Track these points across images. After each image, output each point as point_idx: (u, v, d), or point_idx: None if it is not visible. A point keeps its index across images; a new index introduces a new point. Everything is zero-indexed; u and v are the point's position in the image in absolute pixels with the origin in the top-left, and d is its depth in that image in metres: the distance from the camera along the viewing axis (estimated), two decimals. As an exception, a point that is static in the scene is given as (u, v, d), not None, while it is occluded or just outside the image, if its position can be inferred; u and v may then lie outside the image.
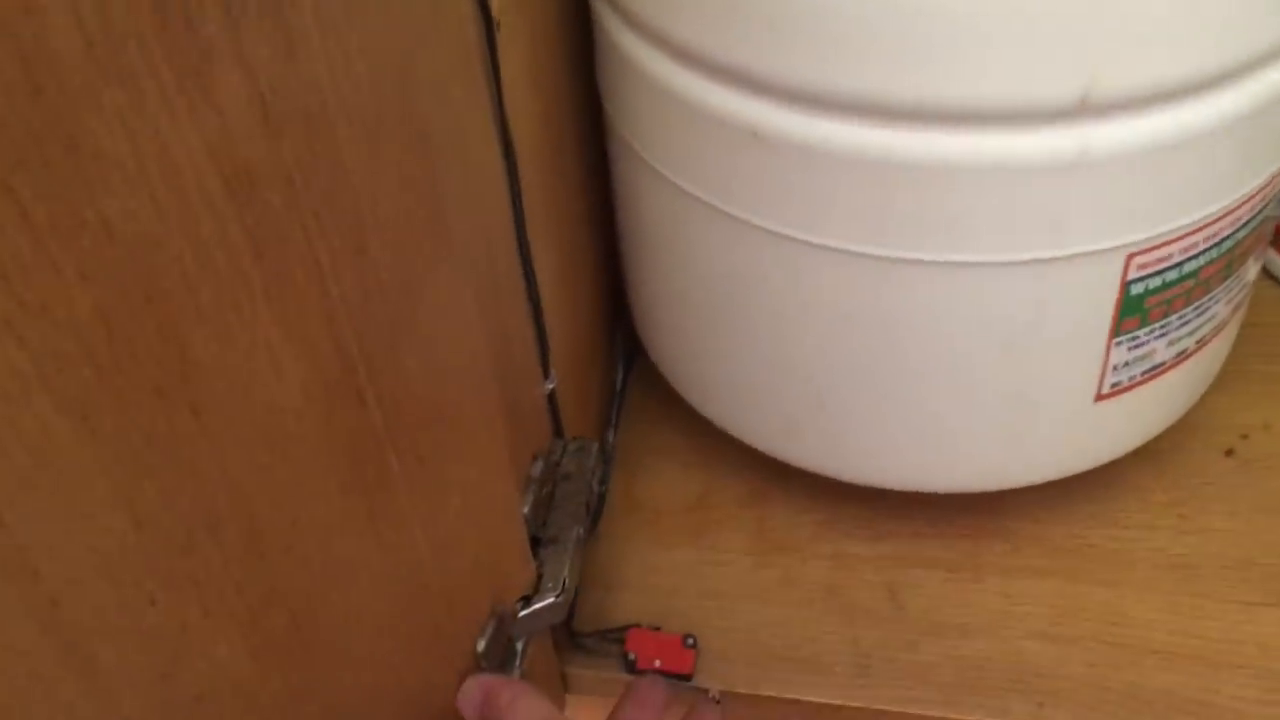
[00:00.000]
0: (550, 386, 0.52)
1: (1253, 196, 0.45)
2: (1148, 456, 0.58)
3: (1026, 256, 0.43)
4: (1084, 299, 0.45)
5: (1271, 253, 0.68)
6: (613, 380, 0.67)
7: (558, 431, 0.54)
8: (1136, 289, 0.45)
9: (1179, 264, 0.45)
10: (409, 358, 0.35)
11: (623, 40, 0.47)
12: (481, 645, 0.45)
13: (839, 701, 0.54)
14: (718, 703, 0.54)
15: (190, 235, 0.24)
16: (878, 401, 0.50)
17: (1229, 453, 0.61)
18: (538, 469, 0.51)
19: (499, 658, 0.47)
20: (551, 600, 0.49)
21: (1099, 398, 0.49)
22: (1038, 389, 0.49)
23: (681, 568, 0.59)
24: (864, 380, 0.50)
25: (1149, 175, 0.41)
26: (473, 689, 0.43)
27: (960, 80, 0.38)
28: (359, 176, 0.29)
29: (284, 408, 0.29)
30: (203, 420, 0.26)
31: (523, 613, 0.48)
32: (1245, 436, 0.62)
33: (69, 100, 0.20)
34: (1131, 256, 0.43)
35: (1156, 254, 0.44)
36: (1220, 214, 0.44)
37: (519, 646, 0.49)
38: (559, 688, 0.56)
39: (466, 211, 0.39)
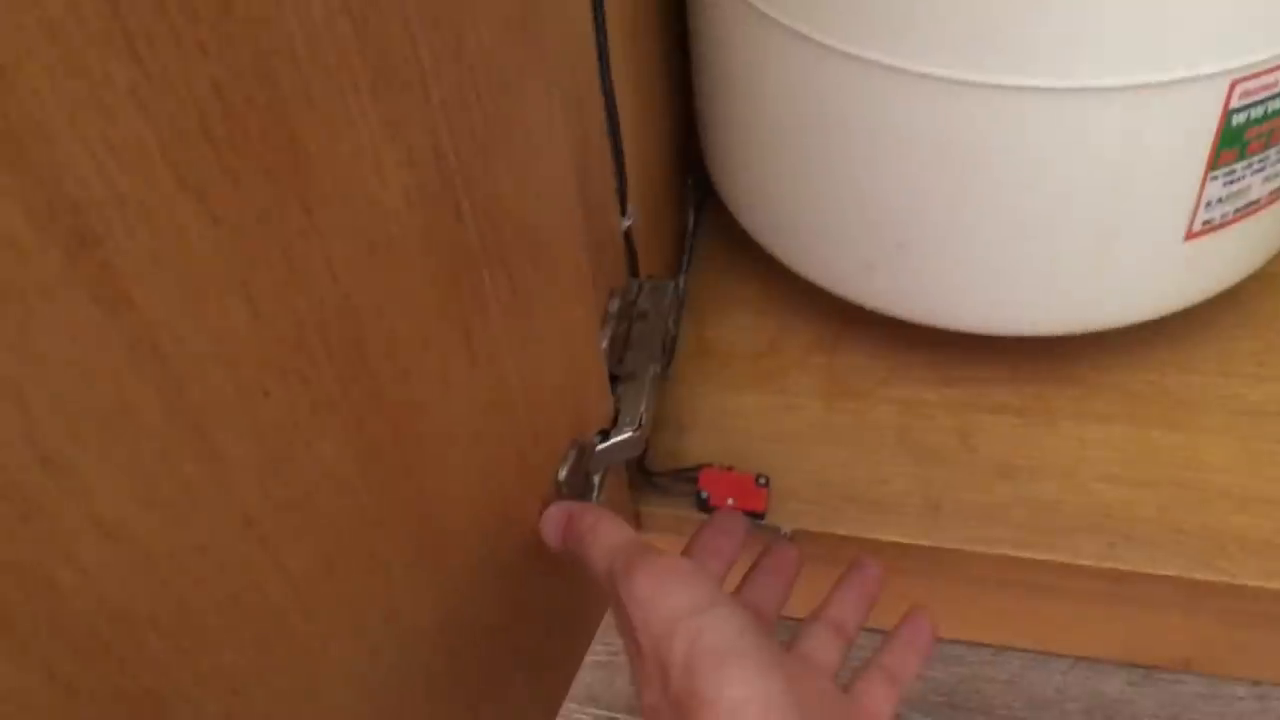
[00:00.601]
0: (627, 223, 0.52)
1: (1365, 21, 0.43)
2: (1230, 302, 0.57)
3: (1127, 81, 0.42)
4: (1183, 128, 0.44)
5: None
6: (684, 223, 0.66)
7: (633, 271, 0.54)
8: (1238, 118, 0.43)
9: (1284, 92, 0.43)
10: (503, 174, 0.34)
11: None
12: (563, 474, 0.45)
13: (910, 540, 0.54)
14: (791, 540, 0.55)
15: (301, 18, 0.23)
16: (961, 239, 0.50)
17: (1313, 300, 0.60)
18: (614, 306, 0.51)
19: (577, 489, 0.48)
20: (629, 434, 0.49)
21: (1189, 235, 0.48)
22: (1128, 225, 0.48)
23: (752, 411, 0.60)
24: (949, 216, 0.49)
25: (1261, -7, 0.39)
26: (555, 513, 0.44)
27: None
28: (459, -24, 0.29)
29: (387, 212, 0.29)
30: (312, 216, 0.26)
31: (601, 445, 0.49)
32: (1330, 284, 0.60)
33: None
34: (1235, 83, 0.42)
35: (1262, 80, 0.42)
36: (1331, 38, 0.42)
37: (596, 480, 0.50)
38: (633, 524, 0.57)
39: (557, 32, 0.38)
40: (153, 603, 0.24)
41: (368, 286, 0.29)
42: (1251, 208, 0.48)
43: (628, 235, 0.52)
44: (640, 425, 0.50)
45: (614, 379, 0.51)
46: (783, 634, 0.43)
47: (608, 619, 0.63)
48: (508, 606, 0.44)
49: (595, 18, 0.43)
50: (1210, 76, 0.41)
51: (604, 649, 0.66)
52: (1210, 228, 0.48)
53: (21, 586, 0.21)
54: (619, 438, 0.49)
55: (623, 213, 0.51)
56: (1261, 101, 0.43)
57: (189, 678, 0.26)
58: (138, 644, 0.24)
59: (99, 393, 0.21)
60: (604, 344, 0.49)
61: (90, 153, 0.19)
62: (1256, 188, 0.47)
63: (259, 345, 0.25)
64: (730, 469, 0.57)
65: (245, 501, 0.26)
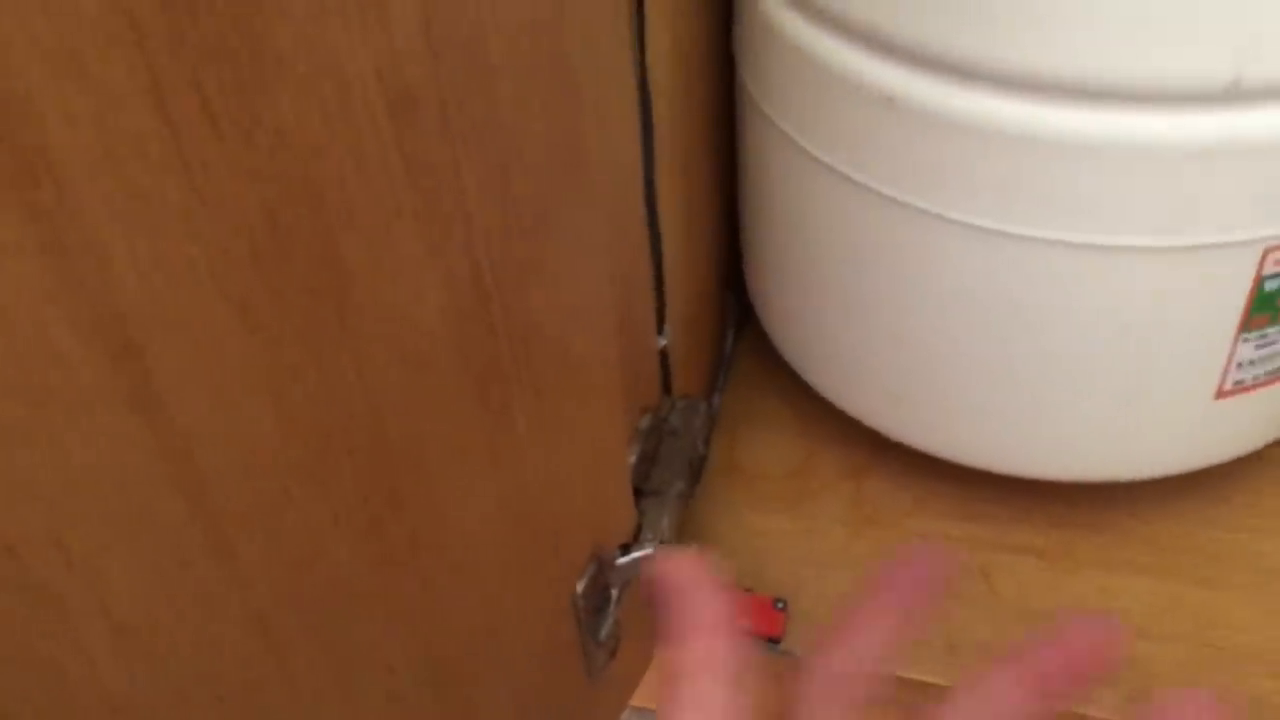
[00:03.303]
0: (664, 343, 0.53)
1: (1402, 198, 0.44)
2: (1263, 460, 0.57)
3: (1160, 243, 0.42)
4: (1214, 291, 0.44)
5: None
6: (722, 344, 0.67)
7: (667, 389, 0.55)
8: (1271, 285, 0.44)
9: (1318, 262, 0.44)
10: (539, 296, 0.35)
11: (762, 1, 0.47)
12: (581, 586, 0.46)
13: (926, 679, 0.54)
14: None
15: (352, 148, 0.25)
16: (989, 381, 0.50)
17: (1348, 464, 0.59)
18: (645, 423, 0.52)
19: (594, 603, 0.48)
20: (650, 550, 0.49)
21: (1220, 394, 0.48)
22: (1157, 382, 0.48)
23: (776, 533, 0.60)
24: (978, 359, 0.49)
25: (1296, 166, 0.40)
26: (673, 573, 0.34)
27: (1110, 56, 0.38)
28: (508, 109, 0.30)
29: (421, 327, 0.30)
30: (348, 327, 0.27)
31: (621, 560, 0.49)
32: (1367, 449, 0.60)
33: (257, 2, 0.21)
34: (1269, 251, 0.42)
35: (1295, 250, 0.43)
36: (1366, 212, 0.43)
37: (614, 594, 0.50)
38: (650, 639, 0.57)
39: (603, 163, 0.40)
40: (154, 695, 0.25)
41: (396, 398, 0.30)
42: (1285, 371, 0.48)
43: (663, 354, 0.53)
44: (662, 542, 0.50)
45: (639, 494, 0.51)
46: None
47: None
48: (518, 714, 0.44)
49: (644, 152, 0.45)
50: (1244, 243, 0.42)
51: (612, 762, 0.65)
52: (1242, 388, 0.48)
53: (32, 675, 0.22)
54: (640, 552, 0.50)
55: (659, 332, 0.52)
56: (1295, 269, 0.44)
57: (186, 773, 0.27)
58: (140, 736, 0.25)
59: (127, 496, 0.22)
60: (632, 460, 0.50)
61: (140, 270, 0.21)
62: (1289, 352, 0.47)
63: (285, 452, 0.26)
64: (749, 590, 0.57)
65: (258, 602, 0.27)
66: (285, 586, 0.28)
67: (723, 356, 0.67)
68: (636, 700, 0.60)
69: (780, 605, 0.56)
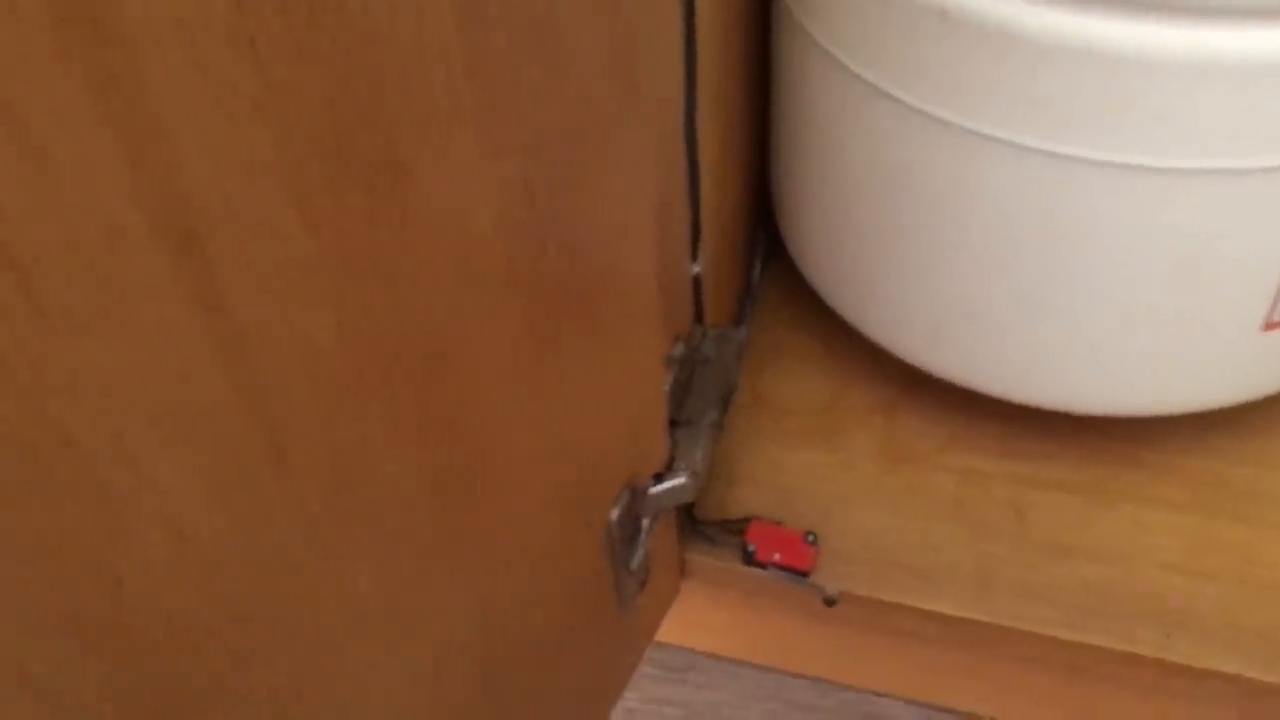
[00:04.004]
0: (696, 270, 0.52)
1: None
2: (1303, 396, 0.56)
3: (1215, 165, 0.41)
4: (1267, 215, 0.43)
5: None
6: (750, 274, 0.66)
7: (699, 317, 0.54)
8: (1328, 210, 0.43)
9: (1377, 187, 0.42)
10: (589, 211, 0.34)
11: (808, -86, 0.46)
12: (615, 514, 0.45)
13: (958, 613, 0.53)
14: (834, 604, 0.54)
15: (415, 36, 0.24)
16: (1032, 312, 0.49)
17: (1388, 402, 0.58)
18: (679, 351, 0.51)
19: (627, 531, 0.47)
20: (683, 480, 0.49)
21: (1268, 326, 0.47)
22: (1206, 311, 0.47)
23: (806, 468, 0.59)
24: (1021, 288, 0.48)
25: (1364, 86, 0.39)
26: None
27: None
28: (565, 8, 0.29)
29: (477, 235, 0.29)
30: (407, 231, 0.26)
31: (654, 489, 0.48)
32: (1407, 387, 0.59)
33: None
34: (1329, 175, 0.41)
35: (1356, 174, 0.41)
36: None
37: (645, 524, 0.49)
38: (677, 573, 0.56)
39: (651, 79, 0.38)
40: (212, 608, 0.24)
41: (451, 310, 0.29)
42: (1334, 302, 0.47)
43: (696, 281, 0.52)
44: (695, 472, 0.49)
45: (672, 423, 0.50)
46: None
47: (641, 669, 0.62)
48: (550, 639, 0.44)
49: (686, 66, 0.43)
50: (1304, 166, 0.41)
51: (634, 696, 0.65)
52: (1290, 320, 0.47)
53: (90, 584, 0.21)
54: (672, 482, 0.49)
55: (694, 258, 0.51)
56: (1354, 195, 0.42)
57: (240, 686, 0.26)
58: (194, 650, 0.24)
59: (186, 393, 0.21)
60: (666, 388, 0.49)
61: (203, 149, 0.20)
62: (1341, 283, 0.46)
63: (343, 358, 0.25)
64: (779, 524, 0.56)
65: (312, 513, 0.26)
66: (338, 498, 0.27)
67: (751, 288, 0.66)
68: (660, 636, 0.59)
69: (811, 539, 0.55)
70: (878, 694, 0.63)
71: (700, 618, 0.62)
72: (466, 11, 0.25)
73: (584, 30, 0.31)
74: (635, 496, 0.47)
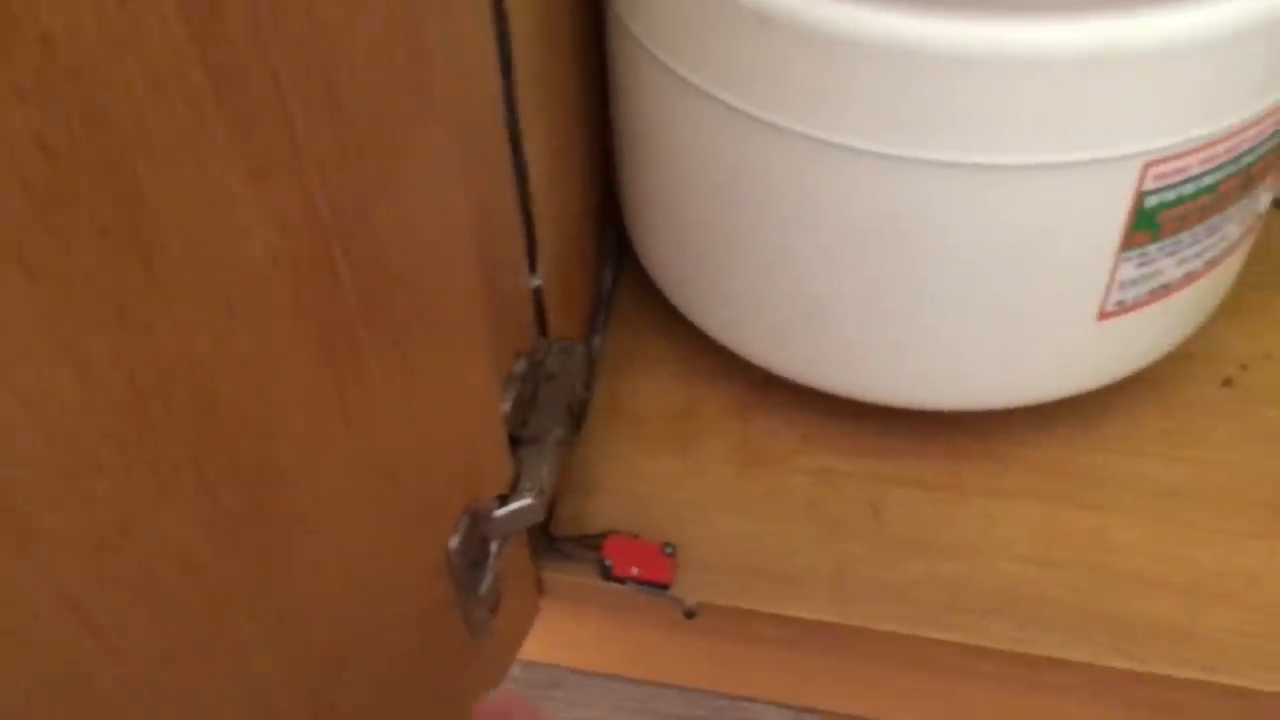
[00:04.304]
0: (536, 282, 0.50)
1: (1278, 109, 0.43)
2: (1143, 382, 0.57)
3: (1039, 160, 0.41)
4: (1095, 209, 0.43)
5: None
6: (601, 284, 0.65)
7: (543, 331, 0.52)
8: (1151, 201, 0.43)
9: (1197, 177, 0.43)
10: (388, 232, 0.32)
11: (625, -86, 0.44)
12: (454, 543, 0.43)
13: (816, 617, 0.53)
14: (694, 616, 0.53)
15: (142, 61, 0.22)
16: (873, 311, 0.49)
17: (1227, 382, 0.60)
18: (520, 367, 0.49)
19: (473, 557, 0.46)
20: (529, 501, 0.47)
21: (1102, 316, 0.48)
22: (1040, 303, 0.47)
23: (662, 476, 0.58)
24: (861, 288, 0.48)
25: (1175, 77, 0.39)
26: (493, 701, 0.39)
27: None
28: (333, 19, 0.27)
29: (249, 271, 0.27)
30: (155, 272, 0.24)
31: (498, 512, 0.47)
32: (1245, 367, 0.60)
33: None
34: (1149, 166, 0.41)
35: (1174, 164, 0.42)
36: (1244, 125, 0.42)
37: (494, 547, 0.48)
38: (534, 591, 0.55)
39: (452, 77, 0.37)
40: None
41: (223, 351, 0.27)
42: (1165, 290, 0.48)
43: (537, 294, 0.51)
44: (541, 491, 0.48)
45: (516, 442, 0.49)
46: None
47: (506, 688, 0.61)
48: (395, 674, 0.42)
49: (501, 66, 0.42)
50: (1122, 158, 0.41)
51: None
52: (1123, 309, 0.48)
53: None
54: (518, 504, 0.47)
55: (532, 269, 0.50)
56: (1175, 185, 0.43)
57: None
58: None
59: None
60: (506, 407, 0.48)
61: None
62: (1170, 270, 0.47)
63: (90, 415, 0.23)
64: (636, 536, 0.55)
65: (67, 583, 0.24)
66: (103, 563, 0.25)
67: (602, 296, 0.64)
68: (524, 654, 0.58)
69: (669, 550, 0.54)
70: (749, 700, 0.63)
71: (564, 633, 0.61)
72: (202, 23, 0.23)
73: (359, 28, 0.29)
74: (477, 521, 0.45)
